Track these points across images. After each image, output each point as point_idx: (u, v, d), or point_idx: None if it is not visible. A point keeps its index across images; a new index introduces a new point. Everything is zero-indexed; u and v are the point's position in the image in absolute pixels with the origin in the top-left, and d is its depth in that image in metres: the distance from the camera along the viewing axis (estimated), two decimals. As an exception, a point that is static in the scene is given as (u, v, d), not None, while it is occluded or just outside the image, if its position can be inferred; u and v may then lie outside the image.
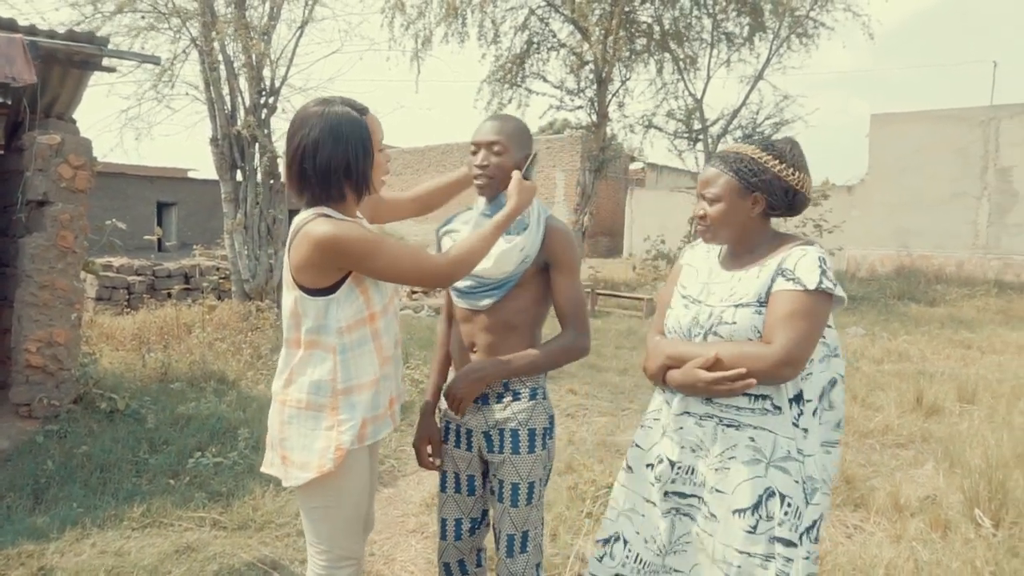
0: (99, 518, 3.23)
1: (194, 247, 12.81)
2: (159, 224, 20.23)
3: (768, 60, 14.06)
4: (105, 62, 4.95)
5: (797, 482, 1.58)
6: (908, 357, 7.41)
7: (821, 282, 1.57)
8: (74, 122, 5.01)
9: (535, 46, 13.79)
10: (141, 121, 9.01)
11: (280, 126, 9.31)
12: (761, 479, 1.60)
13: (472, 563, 2.15)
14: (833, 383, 1.65)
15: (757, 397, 1.62)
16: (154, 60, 5.53)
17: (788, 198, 1.70)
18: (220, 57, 8.40)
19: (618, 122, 14.37)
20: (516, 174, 1.89)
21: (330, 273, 1.71)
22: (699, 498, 1.70)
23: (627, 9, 12.80)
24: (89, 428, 4.33)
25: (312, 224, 1.69)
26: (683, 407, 1.73)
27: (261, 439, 4.15)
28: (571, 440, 4.64)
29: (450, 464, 2.09)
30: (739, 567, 1.61)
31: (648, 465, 1.81)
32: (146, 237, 10.24)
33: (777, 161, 1.68)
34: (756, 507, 1.60)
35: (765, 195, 1.69)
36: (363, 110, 1.79)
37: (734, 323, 1.64)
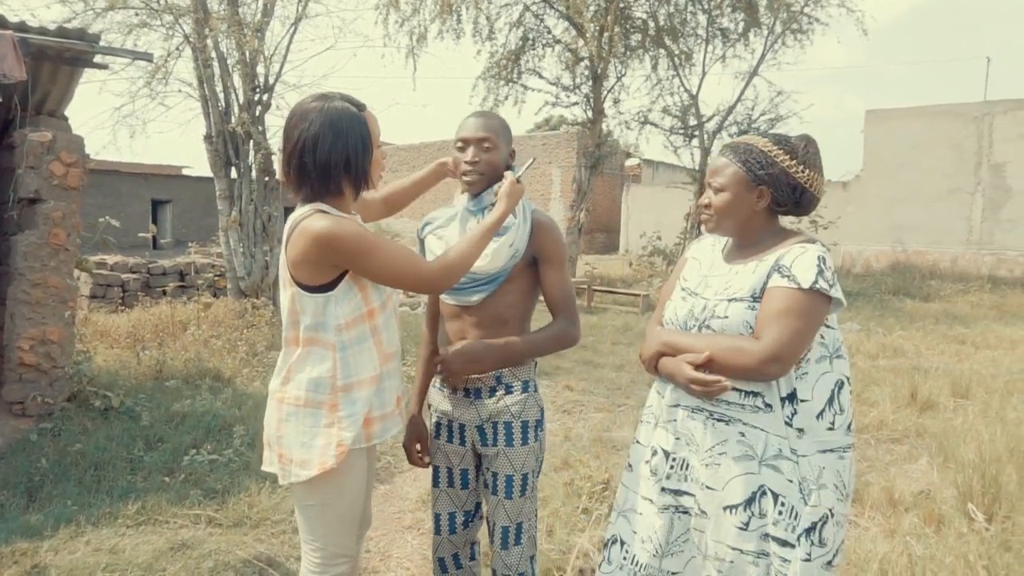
0: (93, 516, 3.22)
1: (189, 244, 12.76)
2: (154, 222, 20.15)
3: (763, 56, 14.06)
4: (97, 59, 4.93)
5: (791, 482, 1.55)
6: (903, 353, 7.43)
7: (816, 282, 1.54)
8: (66, 119, 4.99)
9: (530, 42, 13.77)
10: (135, 118, 8.96)
11: (274, 123, 9.30)
12: (754, 476, 1.58)
13: (466, 557, 2.16)
14: (840, 386, 1.61)
15: (748, 393, 1.60)
16: (146, 57, 5.50)
17: (795, 195, 1.67)
18: (214, 54, 8.36)
19: (614, 118, 14.38)
20: (510, 176, 1.89)
21: (326, 269, 1.70)
22: (693, 495, 1.69)
23: (622, 5, 12.79)
24: (83, 426, 4.32)
25: (310, 219, 1.68)
26: (675, 399, 1.72)
27: (256, 436, 4.16)
28: (567, 436, 4.65)
29: (442, 459, 2.10)
30: (731, 563, 1.60)
31: (646, 461, 1.80)
32: (141, 235, 10.23)
33: (788, 156, 1.65)
34: (748, 503, 1.58)
35: (771, 189, 1.66)
36: (361, 106, 1.78)
37: (726, 317, 1.63)
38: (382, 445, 4.26)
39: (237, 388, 5.48)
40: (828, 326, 1.62)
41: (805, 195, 1.68)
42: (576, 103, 13.77)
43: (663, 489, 1.73)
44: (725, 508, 1.60)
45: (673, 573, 1.74)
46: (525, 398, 2.00)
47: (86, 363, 5.00)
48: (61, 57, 4.62)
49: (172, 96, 12.85)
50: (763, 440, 1.58)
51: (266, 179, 8.70)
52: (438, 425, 2.10)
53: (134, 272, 9.88)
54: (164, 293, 9.32)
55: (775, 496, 1.56)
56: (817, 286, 1.54)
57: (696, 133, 14.33)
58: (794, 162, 1.66)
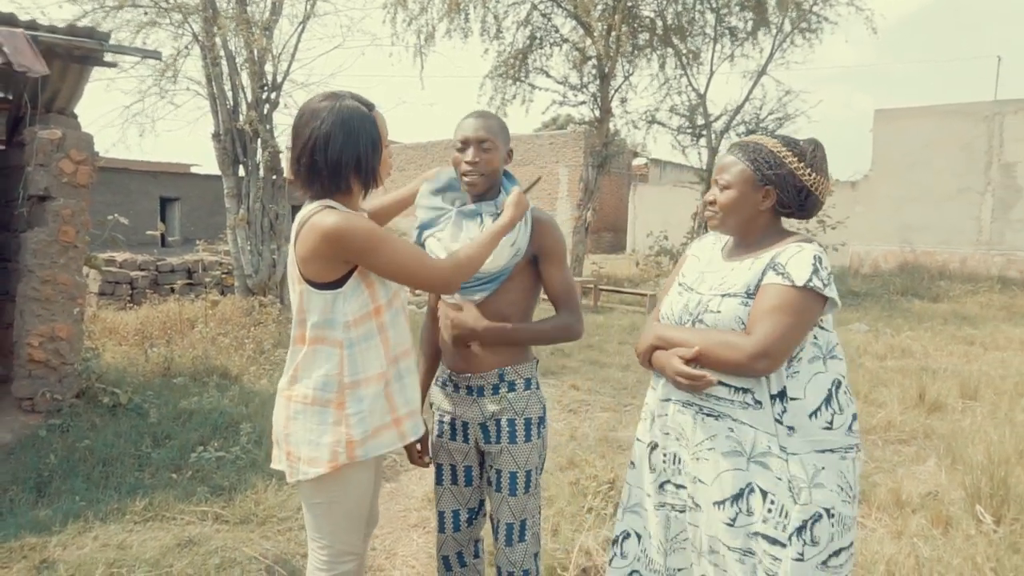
0: (101, 511, 3.24)
1: (197, 242, 12.82)
2: (162, 219, 20.26)
3: (771, 55, 14.00)
4: (107, 57, 4.95)
5: (780, 479, 1.55)
6: (911, 353, 7.39)
7: (810, 280, 1.54)
8: (75, 117, 5.02)
9: (538, 41, 13.76)
10: (144, 116, 9.01)
11: (282, 121, 9.32)
12: (742, 472, 1.58)
13: (470, 554, 2.17)
14: (838, 385, 1.61)
15: (738, 389, 1.60)
16: (155, 55, 5.52)
17: (800, 198, 1.67)
18: (222, 52, 8.39)
19: (621, 118, 14.35)
20: (516, 190, 1.91)
21: (336, 265, 1.71)
22: (685, 488, 1.70)
23: (630, 4, 12.77)
24: (92, 422, 4.34)
25: (319, 215, 1.68)
26: (666, 393, 1.73)
27: (263, 434, 4.17)
28: (573, 436, 4.65)
29: (446, 457, 2.11)
30: (722, 556, 1.61)
31: (647, 457, 1.81)
32: (149, 232, 10.27)
33: (796, 159, 1.66)
34: (736, 499, 1.59)
35: (777, 190, 1.67)
36: (371, 106, 1.80)
37: (719, 312, 1.64)
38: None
39: (244, 386, 5.50)
40: (822, 327, 1.63)
41: (810, 198, 1.68)
42: (583, 102, 13.77)
43: (662, 485, 1.75)
44: (714, 503, 1.61)
45: (679, 570, 1.75)
46: (528, 395, 2.02)
47: (95, 360, 5.03)
48: (71, 55, 4.65)
49: (181, 94, 12.89)
50: (752, 436, 1.58)
51: (274, 177, 8.73)
52: (440, 423, 2.11)
53: (143, 269, 9.93)
54: (172, 290, 9.37)
55: (764, 494, 1.56)
56: (811, 284, 1.54)
57: (704, 132, 14.29)
58: (802, 164, 1.66)
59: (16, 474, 3.63)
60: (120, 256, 9.86)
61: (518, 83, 13.80)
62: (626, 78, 13.91)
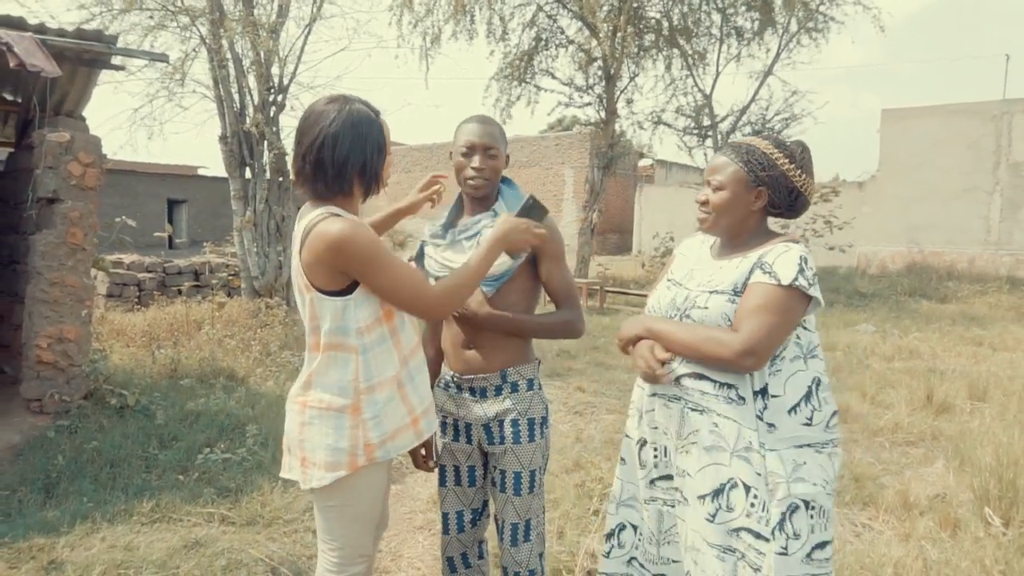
0: (109, 513, 3.25)
1: (204, 244, 12.86)
2: (169, 221, 20.35)
3: (778, 55, 13.98)
4: (114, 60, 4.98)
5: (760, 474, 1.58)
6: (919, 354, 7.35)
7: (796, 279, 1.57)
8: (84, 120, 5.05)
9: (543, 43, 13.77)
10: (152, 119, 9.06)
11: (288, 123, 9.34)
12: (724, 468, 1.61)
13: (474, 556, 2.18)
14: (818, 383, 1.65)
15: (722, 385, 1.64)
16: (163, 58, 5.55)
17: (791, 198, 1.72)
18: (229, 55, 8.42)
19: (627, 119, 14.34)
20: (505, 214, 1.92)
21: (339, 276, 1.71)
22: (674, 482, 1.73)
23: (635, 5, 12.76)
24: (99, 424, 4.36)
25: (326, 223, 1.68)
26: (653, 388, 1.76)
27: (269, 435, 4.19)
28: (579, 438, 4.64)
29: (449, 458, 2.13)
30: (703, 553, 1.63)
31: (636, 453, 1.84)
32: (156, 234, 10.32)
33: (788, 160, 1.70)
34: (716, 495, 1.62)
35: (769, 191, 1.70)
36: (377, 112, 1.81)
37: (706, 308, 1.67)
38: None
39: (250, 387, 5.52)
40: (805, 328, 1.66)
41: (799, 199, 1.73)
42: (589, 103, 13.76)
43: (651, 483, 1.78)
44: (698, 497, 1.65)
45: (673, 560, 1.78)
46: (531, 396, 2.04)
47: (102, 361, 5.05)
48: (79, 59, 4.68)
49: (188, 97, 12.96)
50: (736, 431, 1.61)
51: (280, 179, 8.76)
52: (444, 425, 2.13)
53: (150, 271, 9.97)
54: (179, 292, 9.40)
55: (747, 488, 1.59)
56: (797, 283, 1.58)
57: (710, 133, 14.27)
58: (793, 166, 1.70)
59: (24, 475, 3.65)
60: (127, 258, 9.91)
61: (523, 85, 13.80)
62: (632, 79, 13.90)
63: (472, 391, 2.05)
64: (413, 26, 12.83)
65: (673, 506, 1.74)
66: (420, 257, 2.15)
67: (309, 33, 8.86)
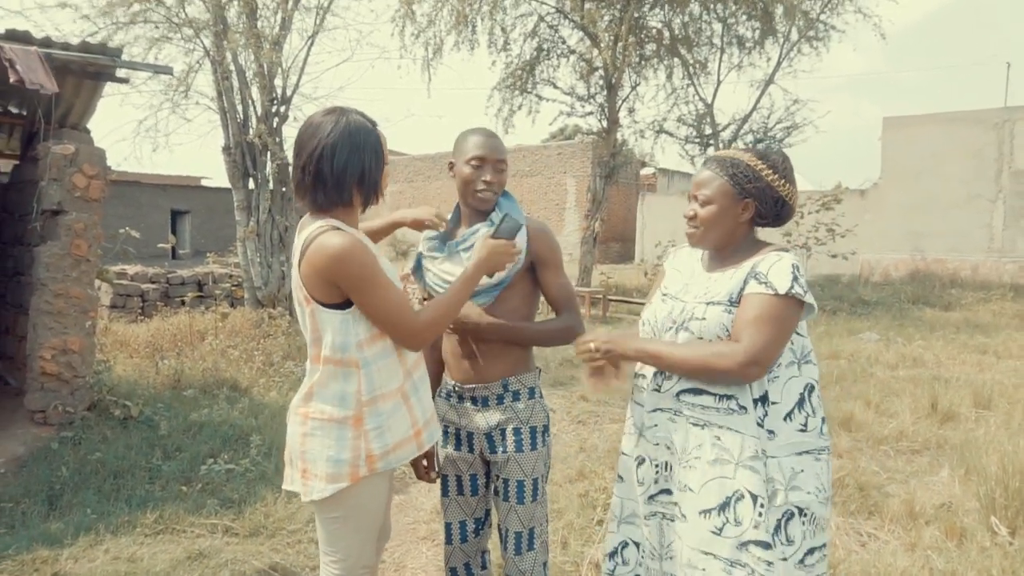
0: (112, 524, 3.25)
1: (207, 255, 12.90)
2: (172, 232, 20.42)
3: (779, 64, 14.02)
4: (119, 73, 5.01)
5: (766, 482, 1.59)
6: (923, 362, 7.33)
7: (792, 287, 1.60)
8: (88, 132, 5.07)
9: (545, 53, 13.82)
10: (156, 131, 9.11)
11: (291, 134, 9.35)
12: (729, 480, 1.62)
13: (477, 566, 2.18)
14: (811, 389, 1.67)
15: (722, 397, 1.65)
16: (167, 70, 5.58)
17: (777, 208, 1.74)
18: (232, 67, 8.48)
19: (629, 128, 14.38)
20: (485, 235, 1.93)
21: (336, 290, 1.71)
22: (674, 497, 1.73)
23: (636, 15, 12.81)
24: (103, 435, 4.36)
25: (325, 236, 1.69)
26: (655, 404, 1.77)
27: (273, 446, 4.19)
28: (582, 447, 4.63)
29: (451, 467, 2.13)
30: (703, 570, 1.62)
31: (635, 471, 1.84)
32: (160, 245, 10.34)
33: (771, 171, 1.72)
34: (723, 508, 1.62)
35: (756, 202, 1.73)
36: (375, 123, 1.83)
37: (704, 319, 1.69)
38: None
39: (254, 398, 5.52)
40: (798, 333, 1.68)
41: (785, 208, 1.76)
42: (591, 113, 13.79)
43: (650, 498, 1.78)
44: (700, 512, 1.65)
45: None
46: (532, 404, 2.06)
47: (106, 372, 5.06)
48: (84, 71, 4.71)
49: (192, 109, 13.03)
50: (739, 442, 1.62)
51: (283, 190, 8.79)
52: (446, 434, 2.13)
53: (153, 282, 9.99)
54: (183, 303, 9.42)
55: (754, 498, 1.59)
56: (792, 291, 1.60)
57: (711, 142, 14.30)
58: (776, 176, 1.72)
59: (28, 487, 3.65)
60: (131, 269, 9.94)
61: (525, 94, 13.85)
62: (633, 88, 13.94)
63: (474, 400, 2.06)
64: (415, 37, 12.89)
65: (672, 520, 1.74)
66: (417, 269, 2.16)
67: (312, 44, 8.93)
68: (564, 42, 13.85)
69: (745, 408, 1.63)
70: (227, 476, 3.88)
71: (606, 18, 12.64)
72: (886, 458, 4.38)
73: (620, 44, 12.37)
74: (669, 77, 14.30)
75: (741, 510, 1.60)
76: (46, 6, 8.07)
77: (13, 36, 4.26)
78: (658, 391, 1.77)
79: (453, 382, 2.11)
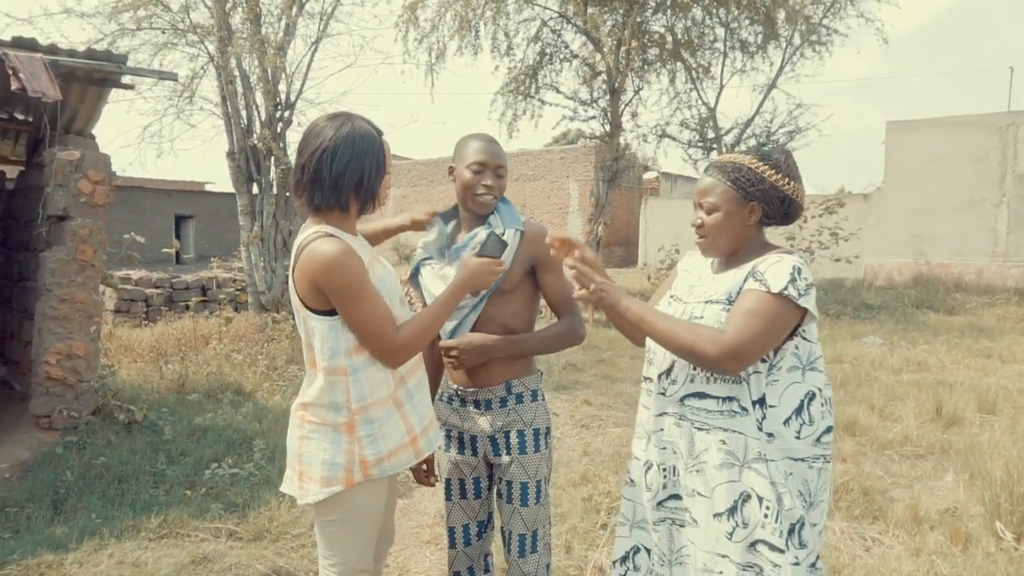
0: (117, 529, 3.26)
1: (211, 259, 12.93)
2: (177, 237, 20.47)
3: (781, 68, 14.02)
4: (124, 79, 5.04)
5: (772, 484, 1.59)
6: (927, 367, 7.31)
7: (786, 288, 1.58)
8: (93, 138, 5.10)
9: (548, 57, 13.84)
10: (161, 136, 9.16)
11: (295, 139, 9.39)
12: (735, 484, 1.62)
13: (481, 569, 2.19)
14: (811, 397, 1.64)
15: (725, 400, 1.65)
16: (172, 76, 5.61)
17: (784, 207, 1.73)
18: (236, 72, 8.52)
19: (631, 132, 14.37)
20: (467, 254, 1.94)
21: (322, 297, 1.72)
22: (684, 501, 1.73)
23: (639, 19, 12.83)
24: (107, 439, 4.38)
25: (317, 242, 1.70)
26: (661, 408, 1.76)
27: (276, 450, 4.19)
28: (586, 451, 4.63)
29: (454, 471, 2.14)
30: (720, 573, 1.63)
31: (644, 475, 1.83)
32: (164, 250, 10.37)
33: (773, 171, 1.71)
34: (731, 512, 1.62)
35: (762, 204, 1.72)
36: (380, 132, 1.83)
37: (701, 318, 1.69)
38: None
39: (257, 402, 5.53)
40: (805, 338, 1.66)
41: (792, 206, 1.74)
42: (594, 117, 13.80)
43: (658, 504, 1.77)
44: (714, 516, 1.64)
45: None
46: (535, 406, 2.07)
47: (110, 377, 5.08)
48: (89, 78, 4.74)
49: (196, 114, 13.08)
50: (743, 444, 1.62)
51: (287, 195, 8.82)
52: (449, 437, 2.14)
53: (157, 287, 10.02)
54: (187, 308, 9.45)
55: (760, 499, 1.59)
56: (786, 292, 1.58)
57: (714, 146, 14.30)
58: (779, 175, 1.71)
59: (33, 491, 3.67)
60: (135, 274, 9.97)
61: (528, 99, 13.87)
62: (636, 92, 13.95)
63: (477, 404, 2.07)
64: (418, 42, 12.92)
65: (683, 525, 1.74)
66: (415, 275, 2.16)
67: (316, 50, 8.97)
68: (567, 47, 13.88)
69: (746, 410, 1.63)
70: (231, 480, 3.89)
71: (609, 23, 12.67)
72: (890, 463, 4.37)
73: (623, 48, 12.39)
74: (672, 81, 14.31)
75: (748, 512, 1.60)
76: (52, 13, 8.12)
77: (19, 43, 4.29)
78: (663, 395, 1.76)
79: (455, 386, 2.12)
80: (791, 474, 1.61)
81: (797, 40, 13.76)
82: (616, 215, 22.63)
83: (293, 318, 8.18)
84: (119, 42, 8.40)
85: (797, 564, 1.57)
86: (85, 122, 5.17)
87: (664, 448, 1.76)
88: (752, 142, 14.10)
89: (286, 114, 8.83)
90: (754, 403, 1.63)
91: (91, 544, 3.10)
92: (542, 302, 2.18)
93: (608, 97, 13.38)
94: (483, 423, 2.06)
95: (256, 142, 8.56)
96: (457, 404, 2.12)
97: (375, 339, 1.73)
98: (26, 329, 5.14)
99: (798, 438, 1.62)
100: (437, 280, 2.06)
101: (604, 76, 13.14)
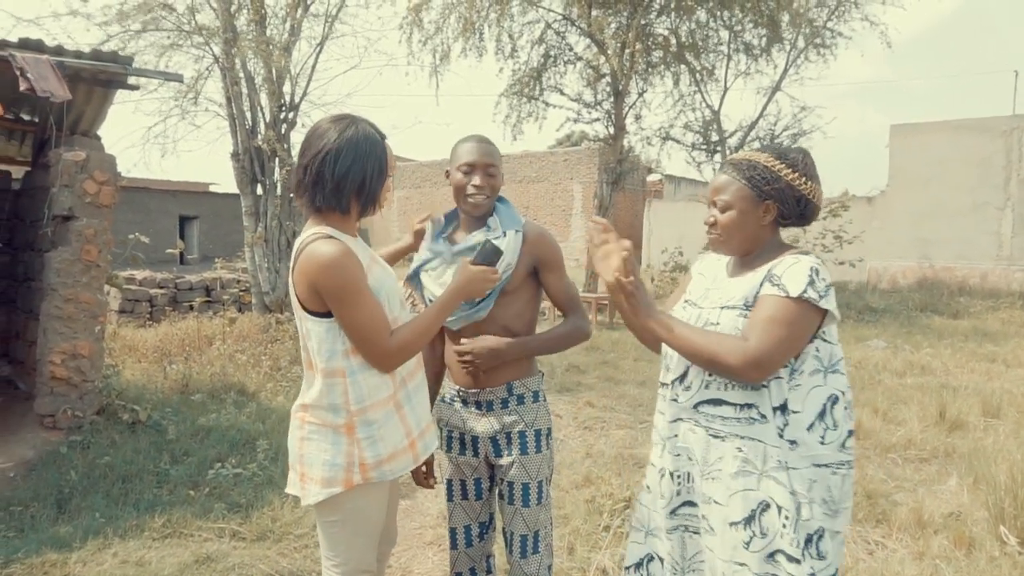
0: (121, 528, 3.27)
1: (215, 260, 12.96)
2: (181, 237, 20.51)
3: (785, 71, 14.02)
4: (130, 80, 5.06)
5: (792, 493, 1.55)
6: (931, 370, 7.30)
7: (805, 291, 1.54)
8: (99, 139, 5.12)
9: (552, 59, 13.85)
10: (165, 137, 9.19)
11: (300, 141, 9.42)
12: (753, 492, 1.57)
13: (482, 570, 2.19)
14: (834, 400, 1.60)
15: (742, 406, 1.61)
16: (177, 78, 5.63)
17: (800, 207, 1.69)
18: (241, 73, 8.55)
19: (635, 134, 14.39)
20: (465, 261, 1.93)
21: (320, 298, 1.72)
22: (699, 508, 1.70)
23: (644, 22, 12.84)
24: (111, 439, 4.39)
25: (316, 244, 1.71)
26: (675, 414, 1.73)
27: (280, 450, 4.20)
28: (589, 453, 4.63)
29: (455, 472, 2.14)
30: None
31: (659, 483, 1.80)
32: (168, 250, 10.40)
33: (790, 170, 1.67)
34: (748, 521, 1.57)
35: (777, 204, 1.68)
36: (384, 135, 1.84)
37: (717, 324, 1.65)
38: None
39: (261, 402, 5.54)
40: (826, 340, 1.62)
41: (809, 206, 1.70)
42: (597, 119, 13.81)
43: (671, 512, 1.74)
44: (730, 524, 1.60)
45: None
46: (536, 407, 2.08)
47: (115, 377, 5.09)
48: (95, 79, 4.76)
49: (201, 115, 13.13)
50: (762, 451, 1.58)
51: (291, 196, 8.84)
52: (450, 439, 2.14)
53: (162, 287, 10.05)
54: (191, 308, 9.47)
55: (779, 508, 1.55)
56: (806, 295, 1.54)
57: (718, 148, 14.30)
58: (796, 175, 1.67)
59: (38, 490, 3.68)
60: (140, 274, 10.00)
61: (532, 101, 13.88)
62: (640, 95, 13.95)
63: (478, 405, 2.08)
64: (423, 44, 12.95)
65: (697, 532, 1.70)
66: (414, 277, 2.17)
67: (320, 51, 9.00)
68: (571, 49, 13.89)
69: (765, 417, 1.58)
70: (234, 480, 3.89)
71: (613, 25, 12.68)
72: (894, 466, 4.36)
73: (627, 51, 12.40)
74: (676, 84, 14.32)
75: (767, 521, 1.56)
76: (60, 14, 8.15)
77: (26, 45, 4.31)
78: (676, 401, 1.73)
79: (457, 387, 2.12)
80: (815, 482, 1.56)
81: (801, 43, 13.76)
82: (620, 217, 22.60)
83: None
84: (127, 45, 8.44)
85: (813, 575, 1.53)
86: (91, 123, 5.19)
87: (678, 455, 1.72)
88: (756, 144, 14.06)
89: (290, 115, 8.86)
90: (775, 410, 1.59)
91: (95, 543, 3.10)
92: (543, 303, 2.19)
93: (612, 99, 13.38)
94: (484, 424, 2.07)
95: (261, 143, 8.58)
96: (459, 405, 2.12)
97: (368, 343, 1.73)
98: (31, 329, 5.16)
99: (823, 443, 1.58)
100: (436, 287, 2.06)
101: (608, 78, 13.15)
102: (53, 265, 4.50)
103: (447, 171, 2.12)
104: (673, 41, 13.64)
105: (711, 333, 1.62)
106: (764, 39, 13.80)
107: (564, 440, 4.93)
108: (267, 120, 8.75)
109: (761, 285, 1.62)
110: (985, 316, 11.46)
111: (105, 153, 4.82)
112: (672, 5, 12.88)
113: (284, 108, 8.81)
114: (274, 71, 8.53)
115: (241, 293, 9.61)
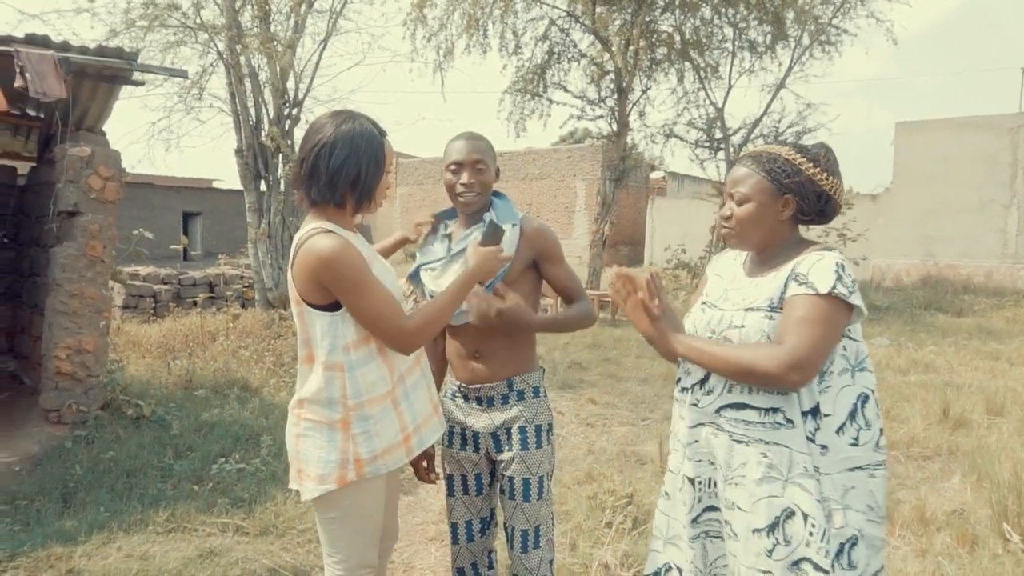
0: (125, 522, 3.29)
1: (219, 256, 12.99)
2: (185, 233, 20.56)
3: (790, 68, 13.97)
4: (134, 76, 5.07)
5: (819, 501, 1.48)
6: (934, 368, 7.28)
7: (835, 287, 1.49)
8: (104, 134, 5.13)
9: (556, 56, 13.83)
10: (170, 133, 9.21)
11: (304, 137, 9.43)
12: (777, 499, 1.52)
13: (484, 566, 2.20)
14: (864, 399, 1.54)
15: (767, 411, 1.55)
16: (182, 74, 5.64)
17: (820, 204, 1.64)
18: (246, 70, 8.56)
19: (639, 131, 14.35)
20: (475, 242, 1.94)
21: (325, 291, 1.72)
22: (721, 514, 1.66)
23: (648, 19, 12.81)
24: (116, 434, 4.41)
25: (316, 238, 1.71)
26: (696, 419, 1.68)
27: (283, 446, 4.19)
28: (591, 449, 4.63)
29: (456, 467, 2.15)
30: None
31: (679, 490, 1.76)
32: (172, 246, 10.43)
33: (812, 164, 1.62)
34: (772, 529, 1.52)
35: (796, 198, 1.63)
36: (383, 132, 1.85)
37: (743, 326, 1.59)
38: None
39: (264, 398, 5.56)
40: (851, 338, 1.57)
41: (829, 203, 1.65)
42: (601, 116, 13.79)
43: (694, 520, 1.70)
44: (753, 531, 1.55)
45: None
46: (537, 403, 2.09)
47: (119, 372, 5.12)
48: (100, 75, 4.77)
49: (205, 111, 13.15)
50: (787, 457, 1.52)
51: (294, 192, 8.86)
52: (451, 434, 2.15)
53: (165, 283, 10.08)
54: (194, 304, 9.49)
55: (805, 516, 1.49)
56: (835, 291, 1.49)
57: (722, 146, 14.26)
58: (818, 170, 1.62)
59: (43, 485, 3.70)
60: (144, 270, 10.02)
61: (536, 98, 13.86)
62: (644, 92, 13.92)
63: (479, 400, 2.09)
64: (427, 40, 12.93)
65: (719, 537, 1.66)
66: (415, 276, 2.17)
67: (324, 48, 9.00)
68: (575, 46, 13.86)
69: (792, 421, 1.52)
70: (238, 476, 3.91)
71: (617, 22, 12.65)
72: (897, 464, 4.35)
73: (631, 48, 12.37)
74: (680, 81, 14.27)
75: (791, 529, 1.50)
76: (65, 11, 8.16)
77: (32, 41, 4.32)
78: (697, 406, 1.68)
79: (458, 382, 2.13)
80: (852, 488, 1.50)
81: (806, 40, 13.71)
82: (623, 214, 22.60)
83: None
84: (133, 42, 8.45)
85: None
86: (96, 119, 5.20)
87: (699, 461, 1.68)
88: (760, 142, 14.05)
89: (294, 111, 8.87)
90: (805, 414, 1.53)
91: (100, 537, 3.12)
92: (546, 300, 2.19)
93: (616, 96, 13.36)
94: (485, 419, 2.08)
95: (264, 139, 8.59)
96: (460, 400, 2.13)
97: (385, 324, 1.73)
98: (36, 324, 5.18)
99: (855, 445, 1.52)
100: (436, 286, 2.06)
101: (612, 75, 13.13)
102: (58, 260, 4.51)
103: (442, 171, 2.13)
104: (677, 38, 13.59)
105: (740, 345, 1.57)
106: (769, 36, 13.75)
107: (566, 437, 4.94)
108: (271, 116, 8.76)
109: (786, 285, 1.56)
110: (989, 314, 11.43)
111: (110, 149, 4.83)
112: (676, 2, 12.84)
113: (288, 104, 8.82)
114: (278, 67, 8.54)
115: (244, 289, 9.63)
